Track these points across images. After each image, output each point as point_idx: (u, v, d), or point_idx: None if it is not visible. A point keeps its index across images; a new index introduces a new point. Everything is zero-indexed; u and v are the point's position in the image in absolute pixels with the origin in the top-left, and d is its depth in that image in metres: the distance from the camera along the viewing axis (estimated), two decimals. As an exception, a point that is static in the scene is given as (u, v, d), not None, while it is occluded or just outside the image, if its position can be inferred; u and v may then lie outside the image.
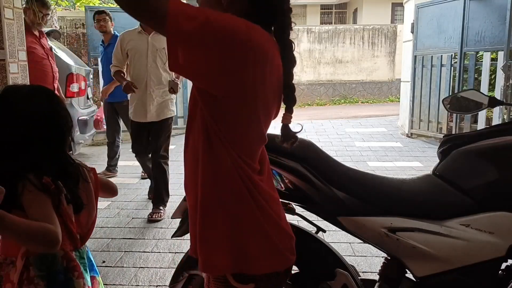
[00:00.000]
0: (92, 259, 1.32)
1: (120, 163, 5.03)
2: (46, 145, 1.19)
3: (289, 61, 1.04)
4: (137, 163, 4.14)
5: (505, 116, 5.21)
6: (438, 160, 1.55)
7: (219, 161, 0.96)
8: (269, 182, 1.10)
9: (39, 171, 1.14)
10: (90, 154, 6.10)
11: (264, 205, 1.01)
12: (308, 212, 1.54)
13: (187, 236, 1.17)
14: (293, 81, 1.07)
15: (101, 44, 4.93)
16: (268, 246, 1.02)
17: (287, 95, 1.05)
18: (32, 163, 1.15)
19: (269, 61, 0.97)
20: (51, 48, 4.08)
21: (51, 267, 1.16)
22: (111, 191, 1.44)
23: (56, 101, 1.26)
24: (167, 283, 1.94)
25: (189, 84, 7.31)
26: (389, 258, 1.50)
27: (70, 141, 1.28)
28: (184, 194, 1.67)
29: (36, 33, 3.84)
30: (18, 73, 3.37)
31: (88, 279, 1.24)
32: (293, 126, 1.10)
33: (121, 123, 4.81)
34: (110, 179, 2.77)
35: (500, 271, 1.41)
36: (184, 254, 1.70)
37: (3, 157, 1.16)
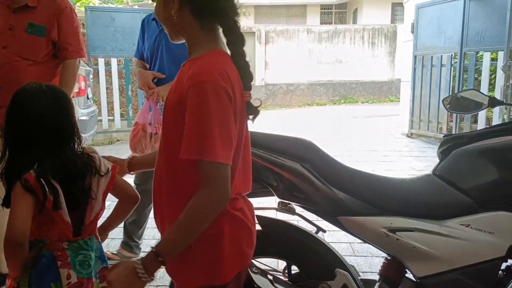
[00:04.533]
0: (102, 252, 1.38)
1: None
2: (49, 143, 1.24)
3: (236, 43, 1.07)
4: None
5: (505, 116, 5.21)
6: (438, 160, 1.55)
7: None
8: None
9: (41, 169, 1.19)
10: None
11: (229, 210, 1.06)
12: (308, 212, 1.54)
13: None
14: (248, 60, 1.09)
15: (153, 20, 2.59)
16: (234, 251, 1.07)
17: (242, 76, 1.07)
18: (35, 161, 1.21)
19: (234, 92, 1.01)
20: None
21: (38, 252, 1.25)
22: (128, 197, 1.40)
23: (62, 100, 1.30)
24: (167, 283, 1.94)
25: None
26: (389, 258, 1.50)
27: (78, 137, 1.32)
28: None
29: None
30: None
31: (83, 271, 1.28)
32: (253, 101, 1.13)
33: None
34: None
35: (500, 271, 1.41)
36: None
37: (10, 155, 1.23)
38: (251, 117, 1.12)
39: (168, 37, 1.14)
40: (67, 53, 2.30)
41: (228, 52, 1.08)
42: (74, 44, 2.31)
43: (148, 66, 2.62)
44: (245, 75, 1.08)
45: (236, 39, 1.06)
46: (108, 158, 1.39)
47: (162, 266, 1.01)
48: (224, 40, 1.08)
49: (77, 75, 2.40)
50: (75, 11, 2.48)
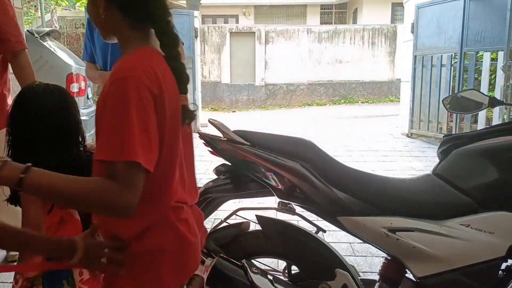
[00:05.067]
0: None
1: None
2: (55, 142, 1.26)
3: (170, 44, 1.02)
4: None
5: (505, 116, 5.20)
6: (438, 160, 1.55)
7: None
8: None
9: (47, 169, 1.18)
10: (90, 154, 6.10)
11: (173, 222, 1.02)
12: (308, 212, 1.54)
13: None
14: (180, 60, 1.04)
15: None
16: (174, 267, 1.04)
17: (177, 79, 1.03)
18: (41, 161, 1.18)
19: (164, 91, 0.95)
20: None
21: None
22: None
23: (68, 99, 1.33)
24: None
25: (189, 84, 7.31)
26: (389, 258, 1.50)
27: (82, 135, 1.35)
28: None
29: None
30: (18, 73, 3.37)
31: None
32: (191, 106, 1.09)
33: None
34: None
35: (500, 271, 1.41)
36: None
37: (15, 154, 1.24)
38: (187, 121, 1.06)
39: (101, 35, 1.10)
40: (10, 44, 2.13)
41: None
42: (15, 34, 2.14)
43: (99, 68, 2.38)
44: (181, 77, 1.03)
45: (169, 40, 1.02)
46: None
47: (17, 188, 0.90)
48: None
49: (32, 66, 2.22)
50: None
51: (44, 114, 1.25)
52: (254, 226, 1.68)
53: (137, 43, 1.01)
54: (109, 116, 0.90)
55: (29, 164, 0.90)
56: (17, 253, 1.24)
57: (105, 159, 0.88)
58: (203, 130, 7.20)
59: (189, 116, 1.06)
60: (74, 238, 0.96)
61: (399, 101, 8.20)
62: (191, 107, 1.08)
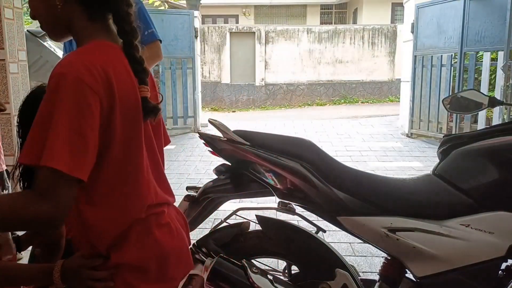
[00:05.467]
0: None
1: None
2: None
3: (130, 34, 0.94)
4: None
5: (505, 116, 5.20)
6: (438, 160, 1.55)
7: None
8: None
9: None
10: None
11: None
12: (308, 212, 1.54)
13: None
14: (136, 53, 0.95)
15: None
16: (160, 279, 0.97)
17: (136, 70, 0.94)
18: None
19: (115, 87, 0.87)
20: None
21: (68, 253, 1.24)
22: None
23: None
24: None
25: (189, 84, 7.31)
26: (389, 258, 1.50)
27: None
28: (183, 193, 1.67)
29: None
30: (18, 73, 3.37)
31: None
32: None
33: None
34: None
35: (500, 271, 1.41)
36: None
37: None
38: (149, 115, 0.94)
39: (49, 37, 0.99)
40: None
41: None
42: None
43: None
44: (140, 69, 0.94)
45: (129, 28, 0.93)
46: None
47: None
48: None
49: None
50: None
51: None
52: (254, 226, 1.68)
53: (93, 36, 0.92)
54: (38, 116, 0.81)
55: None
56: None
57: (24, 163, 0.81)
58: (203, 130, 7.20)
59: (150, 108, 0.93)
60: (54, 263, 0.96)
61: (399, 101, 8.20)
62: (158, 97, 1.01)
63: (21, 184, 1.30)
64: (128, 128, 0.90)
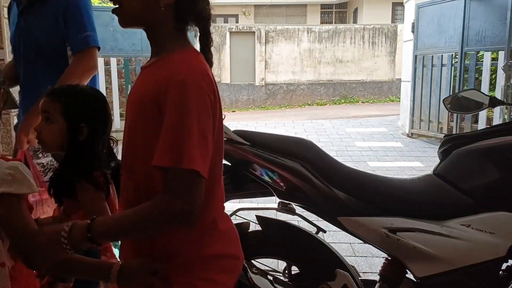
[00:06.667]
0: None
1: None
2: (102, 139, 1.30)
3: (210, 46, 1.03)
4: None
5: (506, 116, 5.20)
6: (438, 160, 1.55)
7: None
8: None
9: (100, 164, 1.26)
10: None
11: None
12: (308, 212, 1.54)
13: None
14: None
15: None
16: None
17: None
18: (95, 157, 1.26)
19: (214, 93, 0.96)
20: None
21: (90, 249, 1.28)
22: None
23: (104, 99, 1.37)
24: None
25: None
26: (389, 258, 1.50)
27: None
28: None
29: None
30: (18, 73, 3.36)
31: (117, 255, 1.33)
32: None
33: None
34: None
35: (500, 271, 1.41)
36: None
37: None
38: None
39: (120, 22, 0.98)
40: None
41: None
42: None
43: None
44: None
45: (210, 43, 1.03)
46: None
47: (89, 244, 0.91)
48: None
49: None
50: None
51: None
52: (254, 226, 1.68)
53: (177, 43, 0.99)
54: (169, 122, 0.87)
55: (92, 219, 0.91)
56: None
57: (163, 166, 0.87)
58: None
59: None
60: (113, 261, 1.03)
61: (399, 101, 8.19)
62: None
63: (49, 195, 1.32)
64: (219, 133, 0.99)
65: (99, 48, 1.85)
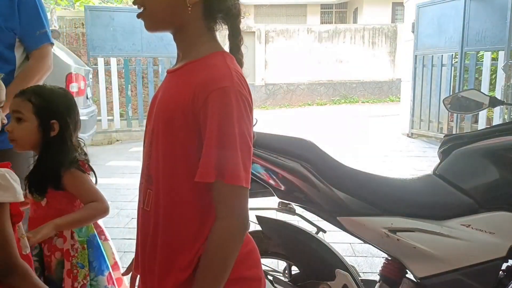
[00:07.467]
0: None
1: (119, 163, 5.03)
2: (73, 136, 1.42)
3: (239, 46, 0.98)
4: (136, 164, 4.13)
5: (506, 116, 5.20)
6: (438, 160, 1.55)
7: None
8: None
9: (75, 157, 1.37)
10: (90, 154, 6.09)
11: None
12: (308, 212, 1.54)
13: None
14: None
15: None
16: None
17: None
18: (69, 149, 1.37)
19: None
20: None
21: (88, 233, 1.38)
22: None
23: (73, 97, 1.46)
24: None
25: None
26: (389, 258, 1.49)
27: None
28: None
29: None
30: (17, 73, 3.36)
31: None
32: None
33: None
34: None
35: (500, 272, 1.41)
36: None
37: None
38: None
39: (146, 26, 0.94)
40: None
41: None
42: None
43: None
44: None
45: (240, 41, 0.96)
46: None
47: None
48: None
49: None
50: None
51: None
52: (254, 226, 1.68)
53: (207, 45, 0.93)
54: (212, 133, 0.81)
55: None
56: None
57: (206, 181, 0.82)
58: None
59: None
60: None
61: (399, 101, 8.20)
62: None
63: (29, 192, 1.34)
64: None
65: (52, 45, 1.82)
